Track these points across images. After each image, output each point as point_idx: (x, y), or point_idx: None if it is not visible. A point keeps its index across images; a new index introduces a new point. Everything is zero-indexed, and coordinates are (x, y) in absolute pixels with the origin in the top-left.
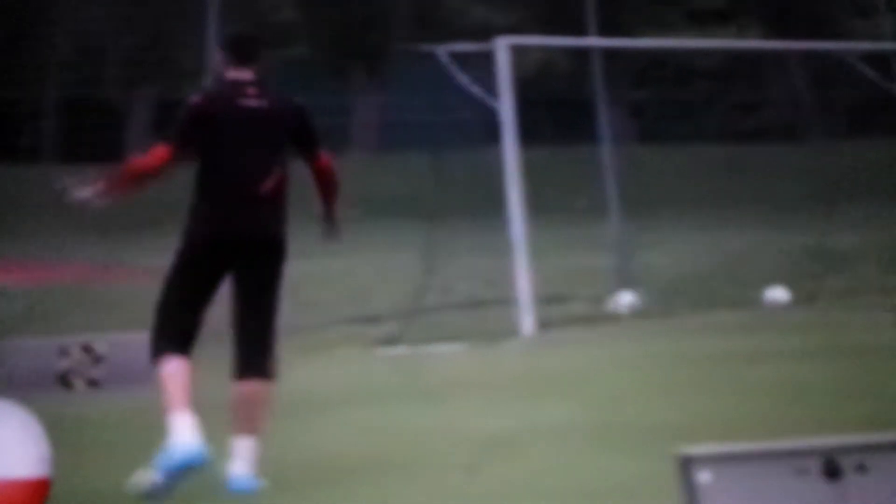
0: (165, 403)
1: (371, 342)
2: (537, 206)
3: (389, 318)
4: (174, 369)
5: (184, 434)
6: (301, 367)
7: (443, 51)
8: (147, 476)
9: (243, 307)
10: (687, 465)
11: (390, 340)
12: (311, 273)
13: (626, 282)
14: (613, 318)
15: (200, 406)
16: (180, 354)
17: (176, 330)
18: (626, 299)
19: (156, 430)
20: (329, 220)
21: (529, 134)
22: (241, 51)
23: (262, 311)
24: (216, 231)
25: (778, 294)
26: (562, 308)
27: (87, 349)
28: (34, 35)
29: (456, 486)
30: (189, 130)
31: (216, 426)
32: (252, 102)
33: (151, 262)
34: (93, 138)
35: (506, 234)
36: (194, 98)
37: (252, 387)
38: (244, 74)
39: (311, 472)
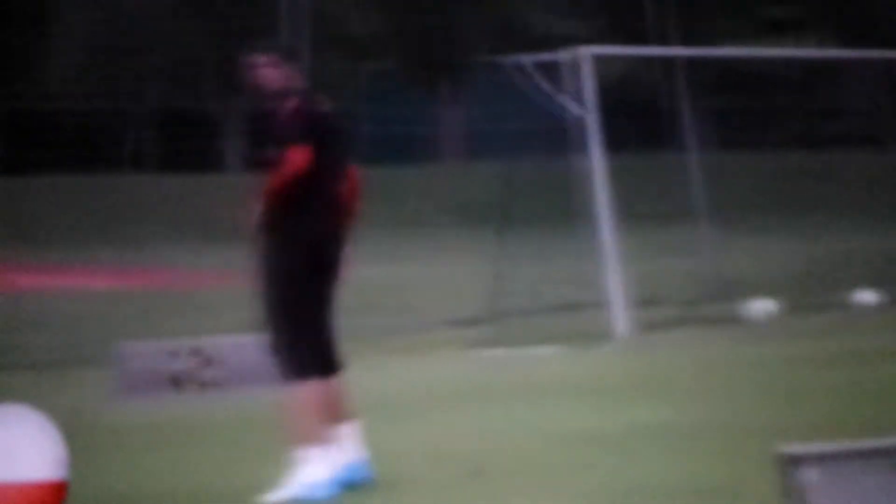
0: (310, 428)
1: (468, 344)
2: (624, 211)
3: (484, 320)
4: (321, 392)
5: (348, 455)
6: (402, 368)
7: (526, 61)
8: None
9: (328, 305)
10: (792, 465)
11: (487, 342)
12: (408, 277)
13: (715, 286)
14: (704, 321)
15: None
16: (330, 375)
17: (323, 345)
18: (761, 306)
19: (267, 431)
20: None
21: (614, 141)
22: (299, 61)
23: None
24: (331, 230)
25: (866, 296)
26: (654, 311)
27: (196, 352)
28: (132, 49)
29: (565, 484)
30: (310, 132)
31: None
32: (327, 107)
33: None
34: (191, 147)
35: (593, 239)
36: (300, 103)
37: (343, 379)
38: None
39: (419, 470)
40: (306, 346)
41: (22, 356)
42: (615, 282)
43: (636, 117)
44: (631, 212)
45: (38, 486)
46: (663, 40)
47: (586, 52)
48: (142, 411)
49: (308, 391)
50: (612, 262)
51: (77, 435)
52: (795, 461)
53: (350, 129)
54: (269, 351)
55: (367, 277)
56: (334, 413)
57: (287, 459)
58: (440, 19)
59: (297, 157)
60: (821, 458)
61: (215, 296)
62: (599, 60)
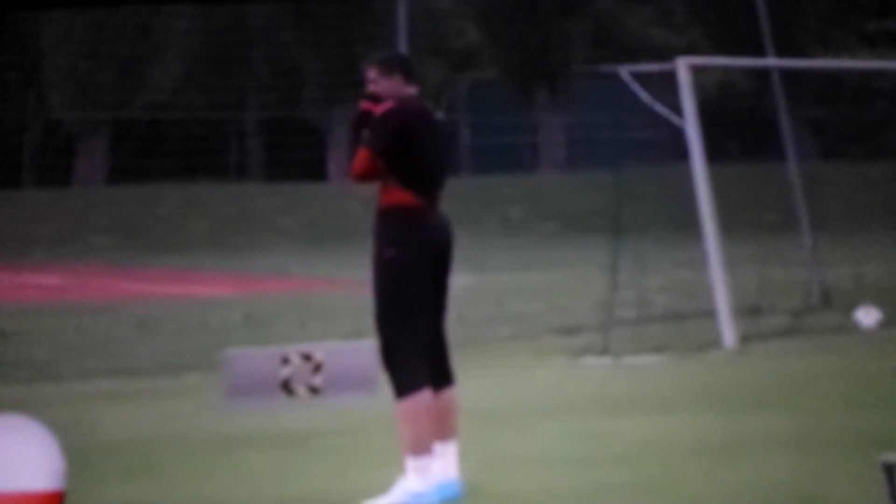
0: (418, 438)
1: (575, 352)
2: (727, 221)
3: (590, 329)
4: (430, 402)
5: (445, 472)
6: (509, 377)
7: (624, 71)
8: None
9: (437, 315)
10: (890, 472)
11: (594, 351)
12: (515, 286)
13: (820, 296)
14: (811, 330)
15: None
16: (431, 385)
17: (425, 356)
18: (868, 314)
19: (375, 438)
20: None
21: (715, 151)
22: (412, 70)
23: (444, 317)
24: (437, 237)
25: None
26: (760, 320)
27: (306, 357)
28: (234, 59)
29: (670, 493)
30: (395, 139)
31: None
32: (431, 114)
33: (352, 275)
34: (295, 157)
35: (697, 248)
36: (395, 109)
37: (454, 393)
38: (415, 90)
39: (526, 479)
40: (417, 355)
41: (130, 363)
42: (721, 291)
43: (736, 127)
44: (734, 221)
45: (34, 496)
46: (760, 51)
47: (684, 63)
48: (250, 417)
49: (418, 401)
50: (717, 271)
51: (185, 441)
52: (892, 469)
53: (452, 138)
54: (380, 359)
55: (472, 286)
56: (442, 426)
57: (395, 466)
58: (537, 29)
59: (356, 160)
60: None
61: (323, 302)
62: (699, 70)
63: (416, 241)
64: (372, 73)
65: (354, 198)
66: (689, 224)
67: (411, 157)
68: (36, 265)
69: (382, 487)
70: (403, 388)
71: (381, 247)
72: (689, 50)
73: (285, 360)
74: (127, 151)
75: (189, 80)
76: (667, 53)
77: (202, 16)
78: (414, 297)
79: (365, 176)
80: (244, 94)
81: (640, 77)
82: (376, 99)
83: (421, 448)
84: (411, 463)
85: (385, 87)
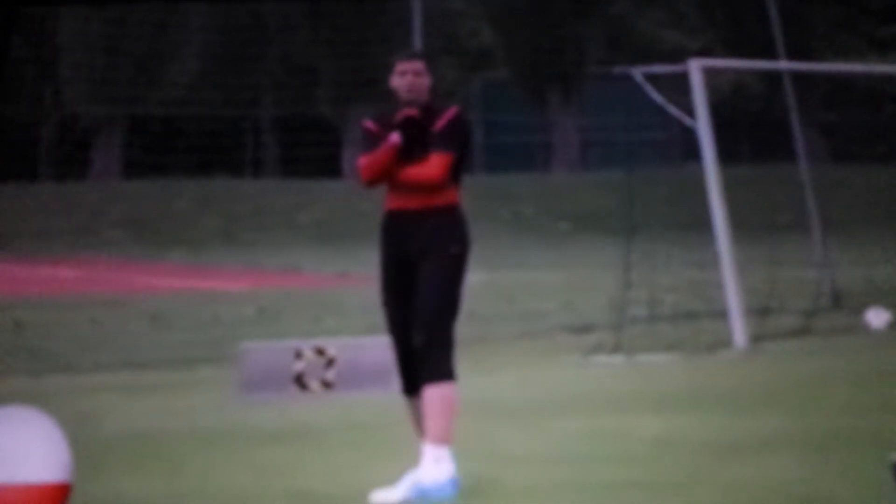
0: (450, 428)
1: (586, 350)
2: (738, 221)
3: (602, 328)
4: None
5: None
6: (521, 374)
7: (637, 72)
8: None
9: None
10: None
11: (607, 350)
12: (526, 284)
13: (830, 297)
14: (821, 331)
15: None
16: None
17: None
18: (878, 315)
19: (386, 432)
20: None
21: (727, 153)
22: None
23: None
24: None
25: None
26: (771, 321)
27: (319, 352)
28: (250, 57)
29: (680, 493)
30: (462, 144)
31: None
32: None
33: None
34: (310, 154)
35: (708, 249)
36: (461, 113)
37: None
38: None
39: (535, 475)
40: (454, 347)
41: (143, 356)
42: (732, 291)
43: (748, 129)
44: (745, 222)
45: (41, 488)
46: (772, 54)
47: (697, 65)
48: (262, 410)
49: (454, 391)
50: (728, 271)
51: (197, 434)
52: None
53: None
54: (423, 349)
55: (485, 284)
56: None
57: (406, 461)
58: (551, 30)
59: (440, 166)
60: None
61: (336, 298)
62: (711, 72)
63: (470, 239)
64: (418, 66)
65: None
66: (700, 224)
67: (466, 157)
68: (52, 258)
69: (394, 482)
70: (450, 374)
71: (446, 243)
72: (702, 52)
73: (299, 355)
74: (142, 147)
75: (205, 76)
76: (679, 56)
77: (218, 13)
78: (461, 291)
79: (446, 181)
80: (260, 92)
81: (652, 79)
82: (426, 108)
83: (448, 438)
84: (437, 451)
85: (426, 83)
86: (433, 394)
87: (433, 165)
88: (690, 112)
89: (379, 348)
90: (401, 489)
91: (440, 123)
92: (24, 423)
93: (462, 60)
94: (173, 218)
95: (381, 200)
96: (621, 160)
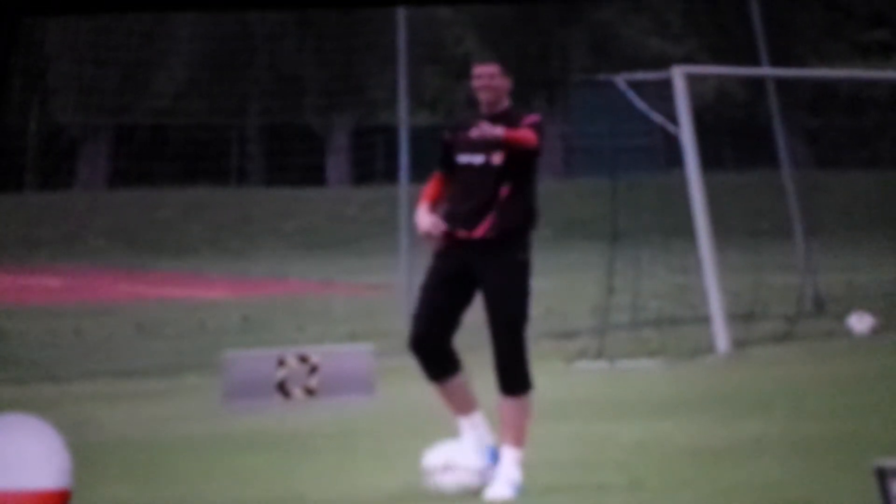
0: (527, 433)
1: (571, 356)
2: (722, 227)
3: (586, 334)
4: None
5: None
6: None
7: (621, 80)
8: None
9: None
10: (882, 477)
11: (590, 356)
12: None
13: (813, 302)
14: (804, 336)
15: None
16: None
17: None
18: (861, 320)
19: (368, 439)
20: None
21: (710, 159)
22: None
23: None
24: None
25: None
26: (754, 326)
27: (303, 359)
28: (237, 66)
29: (664, 497)
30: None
31: None
32: None
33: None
34: (295, 162)
35: (692, 254)
36: (541, 119)
37: None
38: None
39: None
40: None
41: (129, 364)
42: (715, 297)
43: (732, 135)
44: (728, 227)
45: (41, 494)
46: (756, 61)
47: (680, 71)
48: (248, 418)
49: (531, 399)
50: (711, 277)
51: (183, 442)
52: (884, 473)
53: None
54: (504, 362)
55: None
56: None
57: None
58: (536, 38)
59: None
60: None
61: (320, 306)
62: (695, 79)
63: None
64: (492, 70)
65: None
66: (684, 230)
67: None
68: (38, 267)
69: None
70: (530, 383)
71: (517, 250)
72: (687, 59)
73: (282, 363)
74: (129, 156)
75: (192, 86)
76: (664, 63)
77: (206, 23)
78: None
79: (531, 145)
80: (246, 101)
81: (636, 86)
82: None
83: (525, 443)
84: (517, 454)
85: (503, 86)
86: (514, 404)
87: (529, 135)
88: (674, 119)
89: (361, 355)
90: (502, 488)
91: (524, 124)
92: (25, 430)
93: (447, 68)
94: (159, 226)
95: (363, 208)
96: (605, 167)
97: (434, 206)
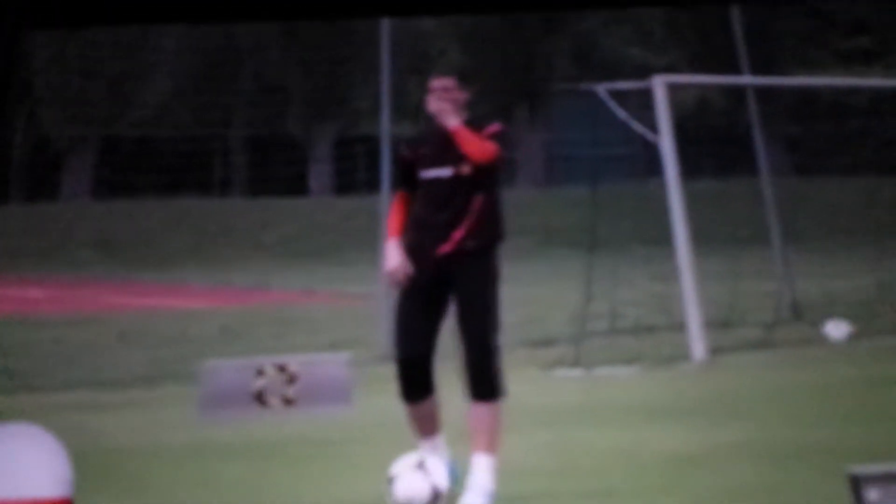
0: (500, 440)
1: (548, 364)
2: (700, 235)
3: (563, 341)
4: None
5: None
6: None
7: (602, 89)
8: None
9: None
10: (856, 484)
11: (567, 363)
12: None
13: (790, 309)
14: (781, 343)
15: None
16: None
17: None
18: (838, 327)
19: (346, 449)
20: None
21: (690, 167)
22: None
23: None
24: None
25: None
26: (731, 333)
27: (281, 368)
28: (221, 77)
29: (651, 501)
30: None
31: None
32: None
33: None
34: (278, 172)
35: (670, 262)
36: (505, 128)
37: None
38: None
39: (499, 487)
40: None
41: (109, 374)
42: (692, 304)
43: (712, 144)
44: (707, 235)
45: (42, 503)
46: (737, 69)
47: (661, 81)
48: (228, 428)
49: (502, 406)
50: (688, 284)
51: (163, 451)
52: (858, 481)
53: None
54: (477, 368)
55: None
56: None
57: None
58: (519, 48)
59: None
60: (882, 479)
61: (301, 315)
62: (676, 88)
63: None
64: (448, 83)
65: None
66: (663, 238)
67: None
68: (22, 278)
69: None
70: (503, 389)
71: (489, 259)
72: (668, 69)
73: (260, 372)
74: (113, 167)
75: (177, 97)
76: (645, 72)
77: (191, 34)
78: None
79: (493, 159)
80: (231, 112)
81: (618, 95)
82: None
83: (498, 449)
84: (490, 462)
85: (460, 98)
86: (486, 411)
87: (485, 145)
88: (654, 128)
89: (340, 365)
90: (477, 498)
91: (485, 134)
92: (26, 438)
93: (428, 77)
94: (142, 237)
95: (345, 218)
96: (586, 175)
97: (402, 240)
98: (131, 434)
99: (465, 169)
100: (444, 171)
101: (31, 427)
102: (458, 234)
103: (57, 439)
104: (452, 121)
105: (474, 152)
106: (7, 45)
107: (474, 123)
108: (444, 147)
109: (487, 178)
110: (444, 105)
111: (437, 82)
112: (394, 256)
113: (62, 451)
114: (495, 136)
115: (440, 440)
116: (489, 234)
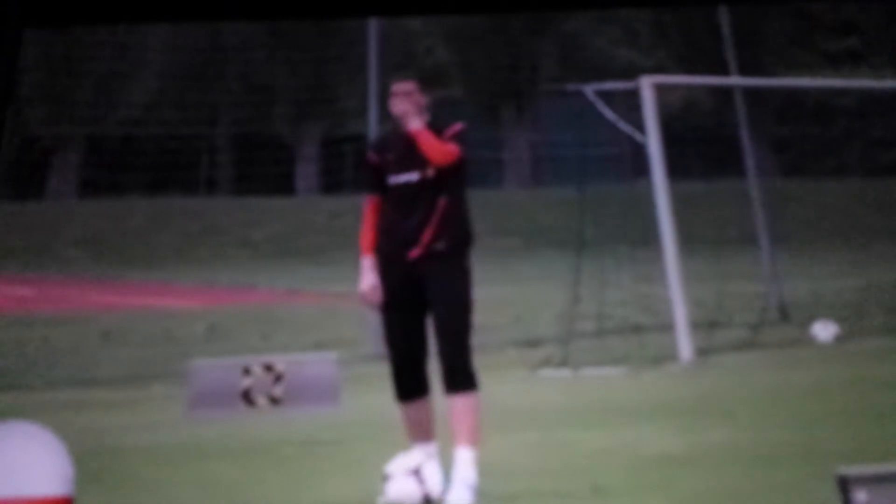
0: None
1: (535, 364)
2: (687, 236)
3: (550, 342)
4: None
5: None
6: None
7: (589, 90)
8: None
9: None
10: (844, 485)
11: (554, 364)
12: (477, 299)
13: (777, 310)
14: (768, 344)
15: None
16: None
17: None
18: (825, 328)
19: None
20: None
21: (677, 168)
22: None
23: None
24: None
25: None
26: (718, 334)
27: (268, 367)
28: (207, 76)
29: (638, 502)
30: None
31: None
32: None
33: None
34: (264, 172)
35: (657, 263)
36: (465, 128)
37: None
38: None
39: (484, 488)
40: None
41: (95, 373)
42: (679, 305)
43: (699, 145)
44: (694, 236)
45: (43, 502)
46: (724, 70)
47: (648, 81)
48: (215, 427)
49: (478, 399)
50: (675, 285)
51: (149, 451)
52: (846, 482)
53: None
54: (452, 360)
55: None
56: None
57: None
58: (506, 48)
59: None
60: (870, 480)
61: (287, 315)
62: (663, 89)
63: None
64: (409, 87)
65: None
66: (650, 239)
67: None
68: (7, 277)
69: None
70: (476, 382)
71: (464, 256)
72: (656, 69)
73: (247, 371)
74: (100, 166)
75: (163, 96)
76: (633, 73)
77: (177, 33)
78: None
79: (454, 160)
80: (216, 111)
81: (605, 95)
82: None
83: (479, 442)
84: (472, 455)
85: (421, 101)
86: (465, 402)
87: (445, 148)
88: (642, 128)
89: (326, 364)
90: (462, 492)
91: (447, 135)
92: (27, 436)
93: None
94: (128, 236)
95: (332, 217)
96: (573, 176)
97: (375, 254)
98: (118, 433)
99: (430, 172)
100: (412, 176)
101: (32, 425)
102: (426, 237)
103: (56, 437)
104: (414, 123)
105: (434, 155)
106: (9, 45)
107: (437, 125)
108: (409, 151)
109: (452, 178)
110: (407, 107)
111: (398, 86)
112: (368, 278)
113: (63, 449)
114: (457, 137)
115: (434, 449)
116: (456, 235)
